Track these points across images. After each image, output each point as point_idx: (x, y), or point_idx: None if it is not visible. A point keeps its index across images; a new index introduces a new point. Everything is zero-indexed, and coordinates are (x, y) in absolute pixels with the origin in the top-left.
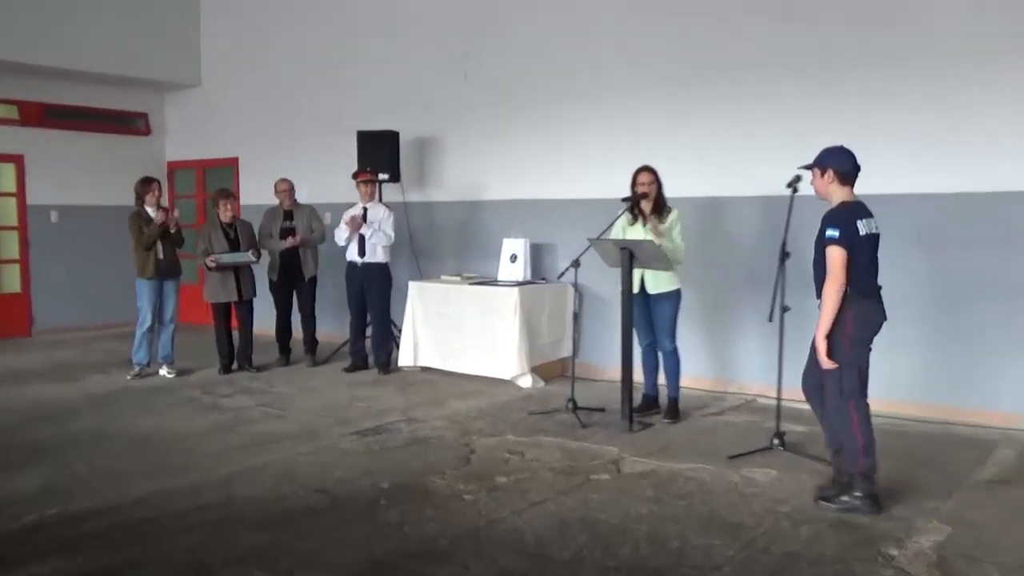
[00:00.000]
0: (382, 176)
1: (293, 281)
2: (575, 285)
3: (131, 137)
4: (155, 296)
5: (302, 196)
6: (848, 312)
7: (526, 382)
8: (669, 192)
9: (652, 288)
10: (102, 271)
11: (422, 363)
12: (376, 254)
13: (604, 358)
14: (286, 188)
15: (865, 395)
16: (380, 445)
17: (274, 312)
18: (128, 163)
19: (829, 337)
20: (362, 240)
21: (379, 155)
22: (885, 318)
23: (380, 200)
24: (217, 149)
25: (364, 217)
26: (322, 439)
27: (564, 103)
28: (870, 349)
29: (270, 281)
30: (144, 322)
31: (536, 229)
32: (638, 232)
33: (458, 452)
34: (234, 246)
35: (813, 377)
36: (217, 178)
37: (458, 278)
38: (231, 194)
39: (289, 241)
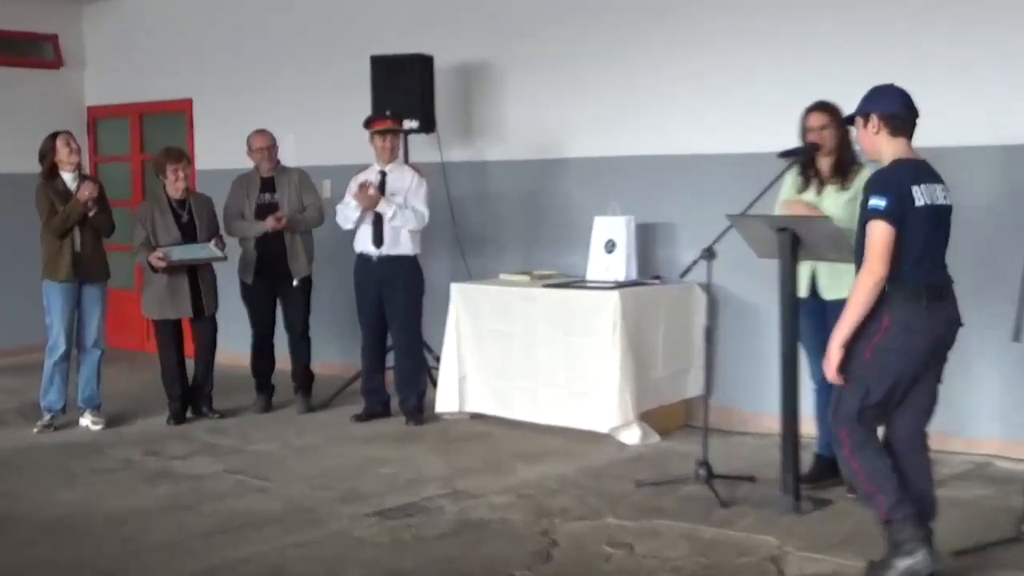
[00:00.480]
0: (408, 124)
1: (276, 285)
2: (707, 287)
3: (34, 72)
4: (71, 307)
5: (288, 156)
6: (883, 316)
7: (632, 436)
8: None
9: (829, 292)
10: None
11: (472, 408)
12: (400, 243)
13: (753, 399)
14: (265, 145)
15: (870, 426)
16: (413, 532)
17: (248, 332)
18: (31, 110)
19: (851, 344)
20: (379, 222)
21: (404, 92)
22: (957, 324)
23: (406, 161)
24: (161, 87)
25: (382, 187)
26: (326, 523)
27: (686, 9)
28: (913, 375)
29: (242, 285)
30: (56, 346)
31: (644, 202)
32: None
33: (532, 544)
34: (188, 234)
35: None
36: (161, 131)
37: (526, 277)
38: (183, 155)
39: (269, 224)
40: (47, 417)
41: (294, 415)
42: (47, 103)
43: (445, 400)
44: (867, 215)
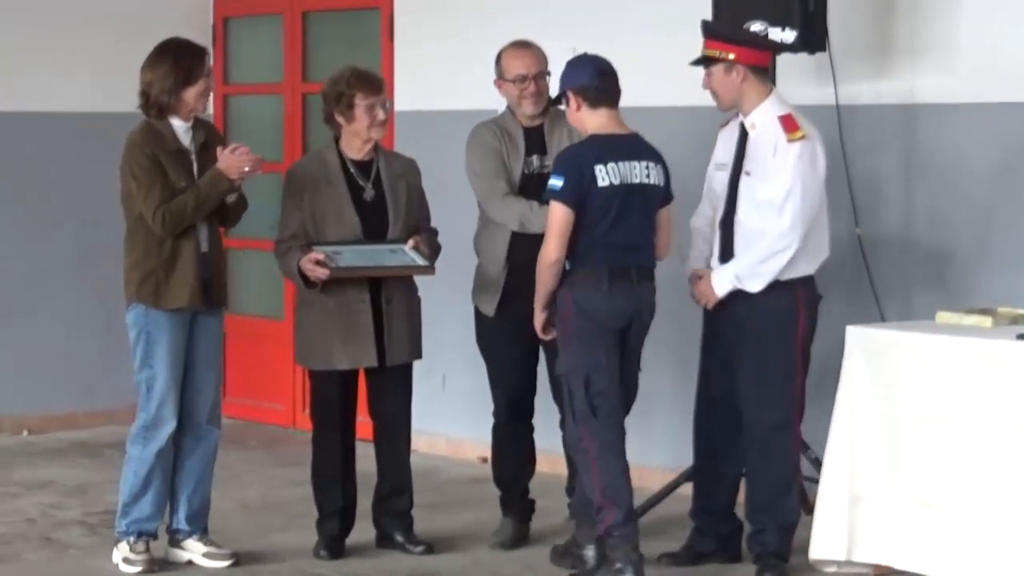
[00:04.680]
0: (777, 35)
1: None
2: None
3: None
4: (180, 354)
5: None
6: (566, 300)
7: None
8: None
9: None
10: (50, 282)
11: (871, 557)
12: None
13: None
14: (532, 69)
15: (609, 423)
16: None
17: (483, 401)
18: (116, 7)
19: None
20: (729, 220)
21: None
22: (648, 311)
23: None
24: None
25: (740, 155)
26: None
27: None
28: (606, 362)
29: (478, 321)
30: (160, 421)
31: None
32: None
33: None
34: (374, 223)
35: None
36: (339, 43)
37: (988, 320)
38: (382, 84)
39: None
40: (138, 545)
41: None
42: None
43: (826, 539)
44: (546, 194)
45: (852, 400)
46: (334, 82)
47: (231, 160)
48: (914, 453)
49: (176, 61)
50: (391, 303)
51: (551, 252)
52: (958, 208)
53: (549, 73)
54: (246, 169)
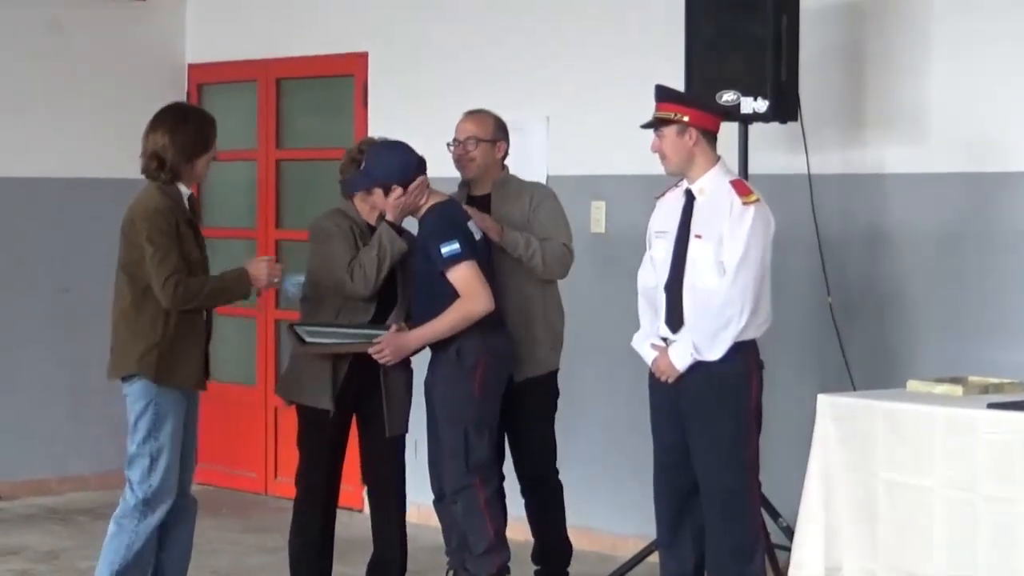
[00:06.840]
0: (749, 105)
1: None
2: None
3: (102, 5)
4: (182, 430)
5: (534, 157)
6: (478, 352)
7: None
8: None
9: None
10: (22, 348)
11: None
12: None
13: None
14: (464, 133)
15: (499, 471)
16: None
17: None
18: (94, 72)
19: (450, 378)
20: (676, 287)
21: (743, 47)
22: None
23: (744, 174)
24: (313, 33)
25: (686, 220)
26: None
27: None
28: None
29: None
30: (162, 494)
31: None
32: None
33: None
34: (387, 296)
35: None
36: (312, 108)
37: (958, 389)
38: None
39: None
40: None
41: None
42: (121, 60)
43: None
44: (446, 263)
45: (824, 469)
46: (349, 153)
47: (262, 269)
48: (889, 522)
49: (199, 128)
50: (388, 375)
51: (486, 303)
52: (928, 277)
53: (493, 141)
54: (275, 281)
